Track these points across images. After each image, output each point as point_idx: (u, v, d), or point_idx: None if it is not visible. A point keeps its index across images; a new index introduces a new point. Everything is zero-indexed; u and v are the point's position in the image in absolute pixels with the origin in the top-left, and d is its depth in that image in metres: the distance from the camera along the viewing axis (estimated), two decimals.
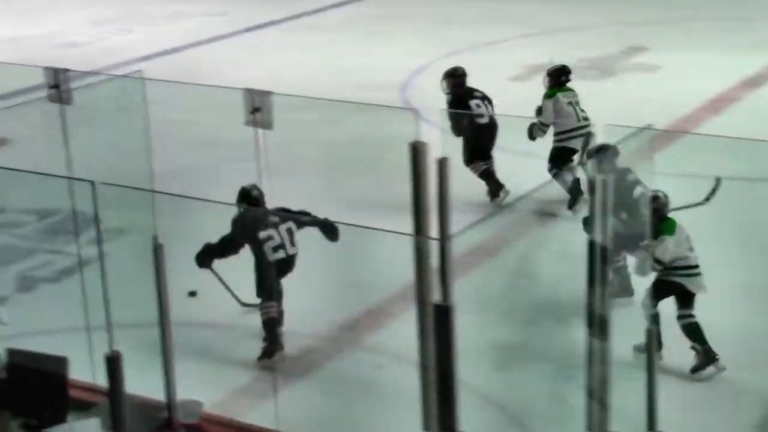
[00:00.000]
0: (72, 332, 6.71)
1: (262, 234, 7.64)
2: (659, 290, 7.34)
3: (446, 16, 19.08)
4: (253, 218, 7.74)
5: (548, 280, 8.14)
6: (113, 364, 5.36)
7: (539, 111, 10.55)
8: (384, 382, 7.21)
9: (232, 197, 7.82)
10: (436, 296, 4.55)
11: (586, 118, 10.41)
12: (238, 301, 8.22)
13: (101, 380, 5.51)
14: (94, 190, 5.54)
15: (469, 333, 4.95)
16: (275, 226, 7.69)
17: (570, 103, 10.47)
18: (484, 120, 10.70)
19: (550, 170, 10.31)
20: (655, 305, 7.34)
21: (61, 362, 5.66)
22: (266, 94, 6.06)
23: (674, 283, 7.42)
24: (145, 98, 8.56)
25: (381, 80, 12.89)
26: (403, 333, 5.23)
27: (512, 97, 13.31)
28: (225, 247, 7.81)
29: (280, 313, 7.64)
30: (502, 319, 7.81)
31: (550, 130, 10.43)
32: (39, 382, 5.66)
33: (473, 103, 10.68)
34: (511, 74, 15.11)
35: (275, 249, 7.68)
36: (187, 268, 7.74)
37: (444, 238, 4.52)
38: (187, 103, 12.84)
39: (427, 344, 4.58)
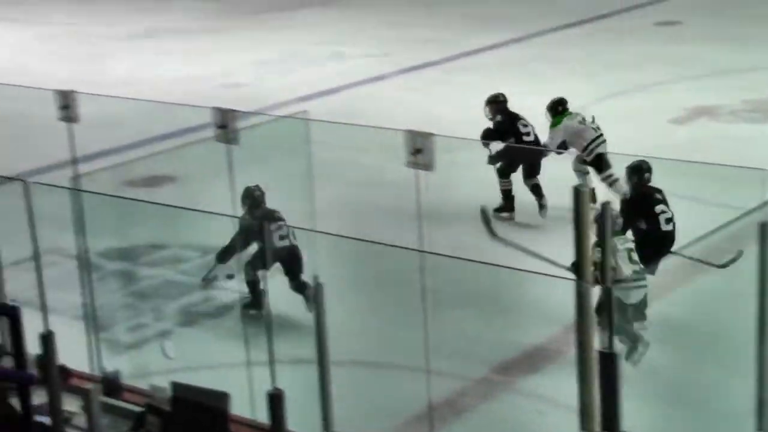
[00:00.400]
0: (233, 367, 6.90)
1: (273, 226, 8.95)
2: None
3: (604, 59, 18.87)
4: (263, 215, 9.26)
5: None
6: (275, 401, 5.39)
7: (564, 145, 11.52)
8: (544, 429, 7.12)
9: (395, 238, 7.85)
10: (596, 342, 4.46)
11: (598, 127, 11.52)
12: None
13: (261, 416, 5.55)
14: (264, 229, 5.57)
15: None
16: (282, 220, 9.13)
17: (580, 121, 11.57)
18: (530, 138, 11.76)
19: (605, 178, 11.27)
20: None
21: (223, 397, 5.72)
22: (428, 135, 6.06)
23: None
24: (308, 138, 8.83)
25: (537, 122, 12.79)
26: (561, 378, 5.14)
27: (673, 140, 13.11)
28: (234, 244, 9.00)
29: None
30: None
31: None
32: (202, 417, 5.73)
33: (520, 124, 11.82)
34: (671, 117, 14.85)
35: (281, 237, 9.09)
36: (346, 308, 7.81)
37: (607, 283, 4.44)
38: (349, 143, 13.07)
39: (589, 391, 4.49)
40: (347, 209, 11.14)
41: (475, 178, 11.87)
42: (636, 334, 8.10)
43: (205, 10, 26.35)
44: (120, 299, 9.26)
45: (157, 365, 7.37)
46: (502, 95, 12.24)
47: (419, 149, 6.06)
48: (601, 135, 11.47)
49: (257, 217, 9.20)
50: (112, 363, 6.81)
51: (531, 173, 11.72)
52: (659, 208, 9.32)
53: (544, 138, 11.88)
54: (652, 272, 8.48)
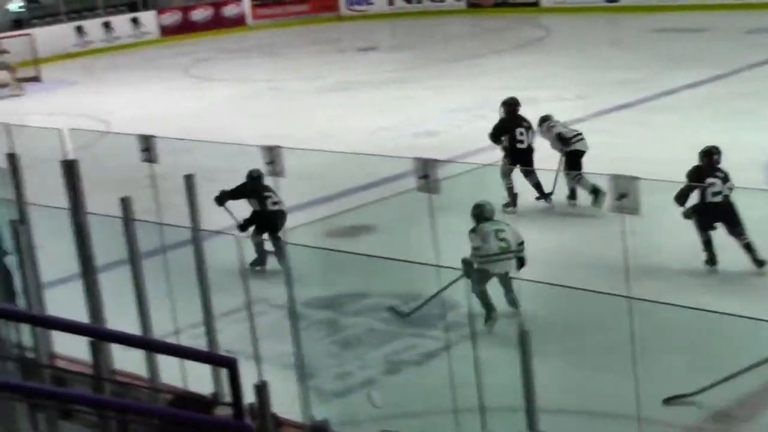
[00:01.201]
0: (439, 414, 6.94)
1: (266, 193, 11.57)
2: None
3: None
4: (260, 185, 11.61)
5: None
6: None
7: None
8: None
9: (602, 283, 7.71)
10: None
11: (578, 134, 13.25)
12: (238, 225, 11.52)
13: None
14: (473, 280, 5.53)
15: None
16: (272, 191, 11.48)
17: (554, 126, 13.31)
18: (523, 146, 13.29)
19: (574, 177, 12.88)
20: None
21: None
22: (633, 179, 6.04)
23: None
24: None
25: (746, 159, 12.43)
26: None
27: None
28: (236, 193, 11.78)
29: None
30: None
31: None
32: None
33: (518, 131, 13.31)
34: None
35: (273, 203, 11.54)
36: (553, 354, 7.67)
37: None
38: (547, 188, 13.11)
39: None
40: (552, 254, 11.13)
41: (677, 220, 11.67)
42: (490, 303, 9.50)
43: (397, 60, 26.68)
44: (325, 348, 9.43)
45: (364, 413, 7.41)
46: (514, 99, 13.72)
47: (624, 194, 6.04)
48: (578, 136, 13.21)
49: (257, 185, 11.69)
50: (320, 411, 6.92)
51: (526, 173, 13.26)
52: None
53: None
54: None
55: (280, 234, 11.39)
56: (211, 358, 6.07)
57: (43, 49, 30.63)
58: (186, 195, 6.91)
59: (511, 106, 13.58)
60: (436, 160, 7.45)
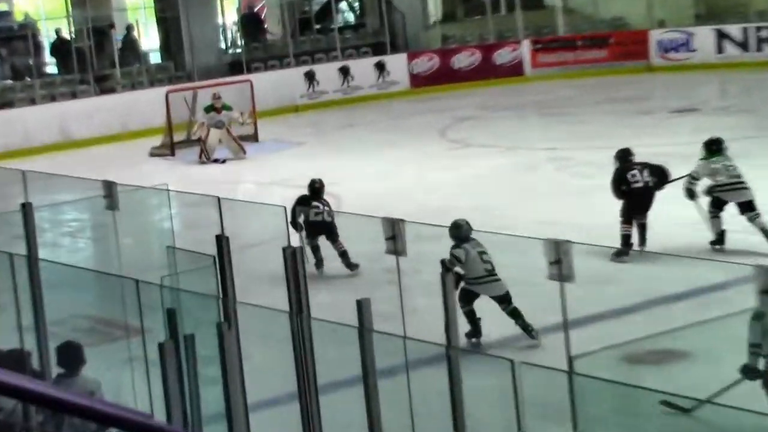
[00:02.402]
0: None
1: (314, 203, 17.17)
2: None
3: None
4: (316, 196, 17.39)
5: None
6: None
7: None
8: None
9: None
10: None
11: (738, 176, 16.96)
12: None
13: None
14: None
15: None
16: (323, 202, 17.26)
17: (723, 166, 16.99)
18: (639, 185, 16.96)
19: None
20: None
21: None
22: None
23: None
24: None
25: None
26: None
27: None
28: (294, 213, 16.22)
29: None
30: None
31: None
32: None
33: (629, 174, 16.97)
34: None
35: (316, 214, 16.96)
36: None
37: None
38: None
39: None
40: None
41: None
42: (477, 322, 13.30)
43: (728, 127, 25.95)
44: None
45: None
46: (626, 150, 17.46)
47: None
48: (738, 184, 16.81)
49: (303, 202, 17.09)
50: None
51: (630, 218, 16.74)
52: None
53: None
54: None
55: (319, 242, 16.98)
56: None
57: (264, 99, 31.63)
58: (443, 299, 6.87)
59: (620, 159, 17.60)
60: None
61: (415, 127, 30.35)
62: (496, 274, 13.15)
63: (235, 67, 34.99)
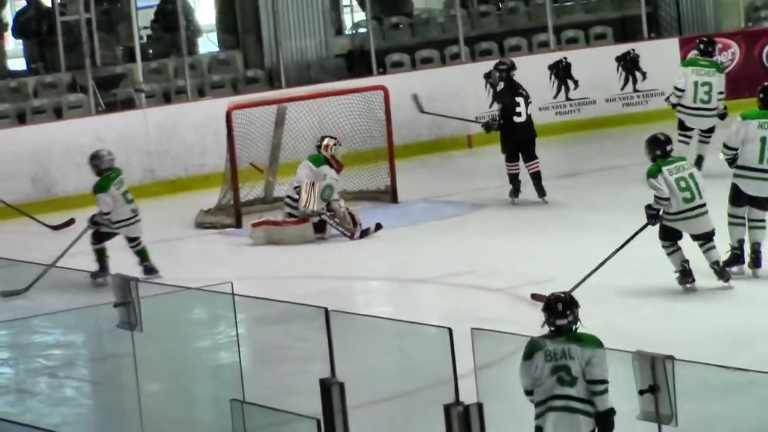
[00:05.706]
0: None
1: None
2: None
3: None
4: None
5: None
6: None
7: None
8: None
9: None
10: None
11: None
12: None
13: None
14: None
15: None
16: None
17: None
18: (521, 118, 17.14)
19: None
20: None
21: None
22: None
23: None
24: None
25: None
26: None
27: None
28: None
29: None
30: None
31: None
32: None
33: (518, 99, 17.14)
34: None
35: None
36: None
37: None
38: None
39: None
40: None
41: None
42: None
43: None
44: None
45: None
46: (508, 61, 17.68)
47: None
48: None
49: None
50: None
51: (516, 158, 17.09)
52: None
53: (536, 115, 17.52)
54: None
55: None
56: None
57: (408, 121, 23.06)
58: None
59: (502, 71, 17.32)
60: None
61: None
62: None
63: (356, 60, 24.91)
